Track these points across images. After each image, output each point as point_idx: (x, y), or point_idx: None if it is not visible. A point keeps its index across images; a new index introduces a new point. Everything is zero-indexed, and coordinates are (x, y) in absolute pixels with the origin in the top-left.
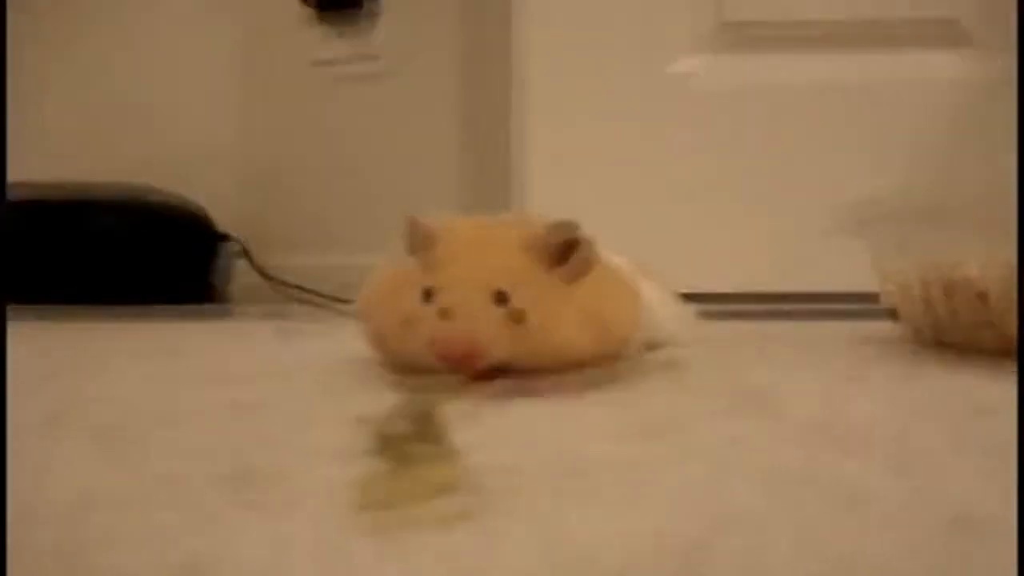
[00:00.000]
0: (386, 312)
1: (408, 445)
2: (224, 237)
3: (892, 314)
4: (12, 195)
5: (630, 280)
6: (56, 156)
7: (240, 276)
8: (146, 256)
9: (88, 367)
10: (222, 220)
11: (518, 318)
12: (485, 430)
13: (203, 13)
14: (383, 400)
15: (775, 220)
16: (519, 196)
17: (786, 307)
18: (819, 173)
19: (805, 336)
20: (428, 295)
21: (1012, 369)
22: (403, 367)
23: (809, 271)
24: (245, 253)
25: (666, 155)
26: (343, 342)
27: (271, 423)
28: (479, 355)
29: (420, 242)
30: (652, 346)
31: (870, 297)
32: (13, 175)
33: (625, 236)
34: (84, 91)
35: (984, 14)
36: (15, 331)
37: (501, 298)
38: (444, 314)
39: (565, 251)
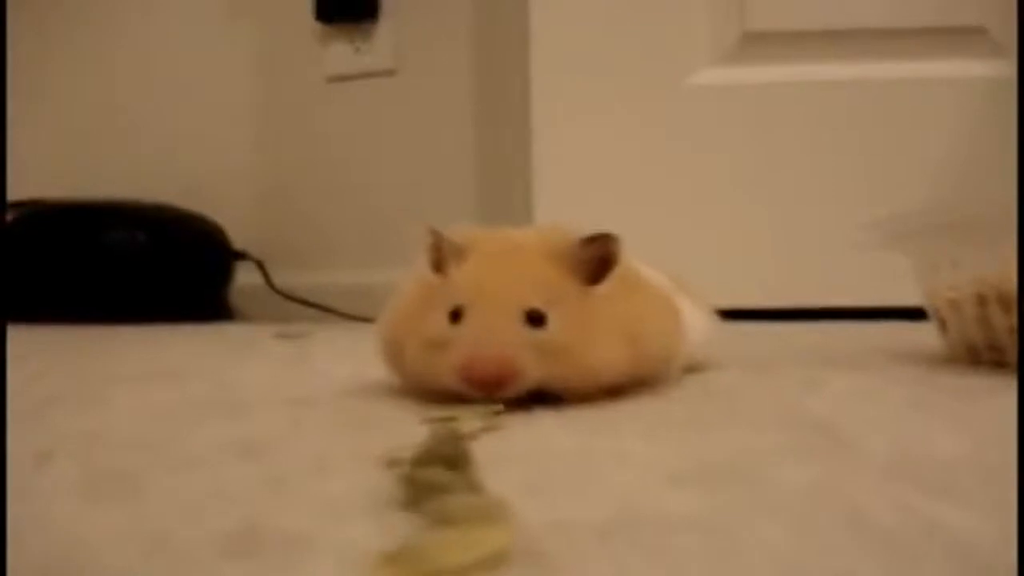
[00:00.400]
0: (409, 333)
1: (447, 497)
2: (240, 255)
3: (941, 330)
4: (30, 211)
5: (669, 296)
6: (73, 174)
7: (255, 294)
8: (162, 273)
9: (89, 394)
10: (238, 238)
11: (552, 339)
12: (528, 473)
13: (219, 31)
14: (409, 435)
15: (802, 234)
16: (536, 210)
17: (818, 324)
18: (846, 186)
19: (845, 355)
20: (455, 315)
21: None
22: (427, 392)
23: (837, 285)
24: (261, 270)
25: (687, 167)
26: (361, 364)
27: (283, 466)
28: (511, 380)
29: (445, 257)
30: (689, 367)
31: (897, 312)
32: (28, 192)
33: (645, 250)
34: (101, 110)
35: (1011, 22)
36: (18, 351)
37: (534, 317)
38: (473, 336)
39: (600, 266)
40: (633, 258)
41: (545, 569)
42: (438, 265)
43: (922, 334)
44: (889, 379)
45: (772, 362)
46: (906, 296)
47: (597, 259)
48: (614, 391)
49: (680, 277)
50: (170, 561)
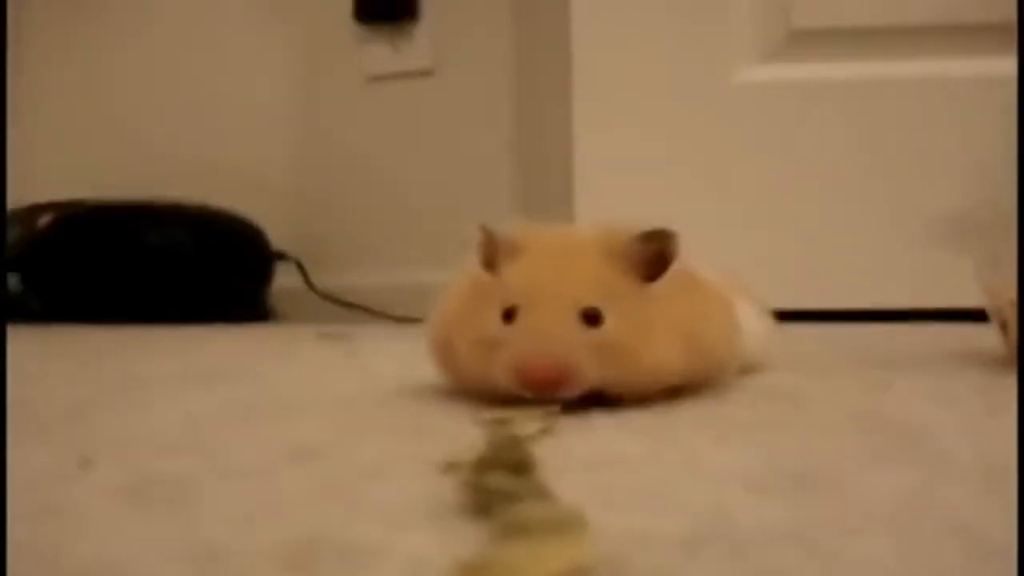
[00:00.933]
0: (461, 333)
1: (518, 505)
2: (280, 255)
3: (1002, 331)
4: (69, 212)
5: (724, 296)
6: (112, 175)
7: (295, 295)
8: (201, 274)
9: (131, 397)
10: (277, 238)
11: (609, 339)
12: (596, 481)
13: (258, 32)
14: (465, 438)
15: (851, 234)
16: (577, 211)
17: (871, 325)
18: (896, 185)
19: (905, 357)
20: (509, 314)
21: None
22: (479, 393)
23: (887, 286)
24: (300, 271)
25: (732, 165)
26: (407, 364)
27: (338, 472)
28: (569, 382)
29: (497, 254)
30: (745, 368)
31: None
32: (66, 193)
33: (690, 250)
34: (140, 110)
35: None
36: (57, 352)
37: (590, 316)
38: (528, 336)
39: (657, 263)
40: (687, 257)
41: None
42: (489, 263)
43: (979, 335)
44: (955, 382)
45: (833, 364)
46: (959, 297)
47: (654, 256)
48: (670, 392)
49: (735, 275)
50: (217, 571)
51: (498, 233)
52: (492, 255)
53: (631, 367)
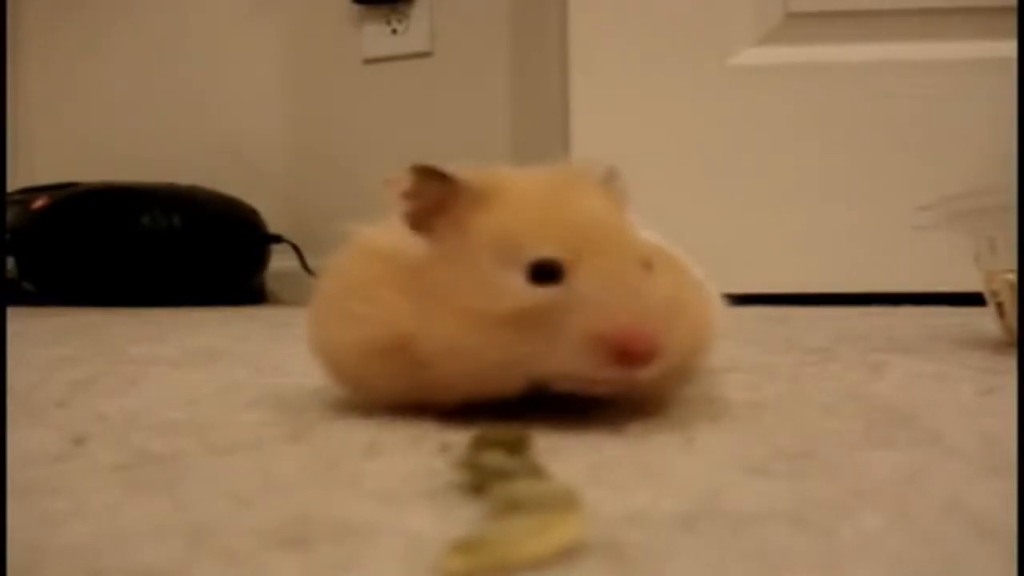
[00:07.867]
0: (437, 322)
1: (513, 483)
2: (275, 238)
3: (999, 314)
4: (65, 195)
5: (692, 270)
6: (108, 157)
7: (290, 278)
8: (197, 257)
9: (125, 378)
10: (273, 221)
11: (678, 298)
12: (591, 460)
13: (255, 13)
14: (460, 418)
15: (845, 217)
16: None
17: (868, 308)
18: (892, 167)
19: (902, 340)
20: (547, 273)
21: None
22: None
23: (882, 269)
24: (297, 254)
25: (728, 147)
26: None
27: (333, 451)
28: (661, 354)
29: (444, 206)
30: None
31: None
32: (63, 176)
33: (685, 231)
34: (136, 93)
35: None
36: (52, 335)
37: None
38: (608, 294)
39: None
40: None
41: (626, 562)
42: (422, 221)
43: (975, 318)
44: (953, 365)
45: (830, 346)
46: (956, 281)
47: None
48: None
49: (683, 251)
50: (216, 553)
51: (458, 177)
52: (428, 208)
53: (699, 332)
